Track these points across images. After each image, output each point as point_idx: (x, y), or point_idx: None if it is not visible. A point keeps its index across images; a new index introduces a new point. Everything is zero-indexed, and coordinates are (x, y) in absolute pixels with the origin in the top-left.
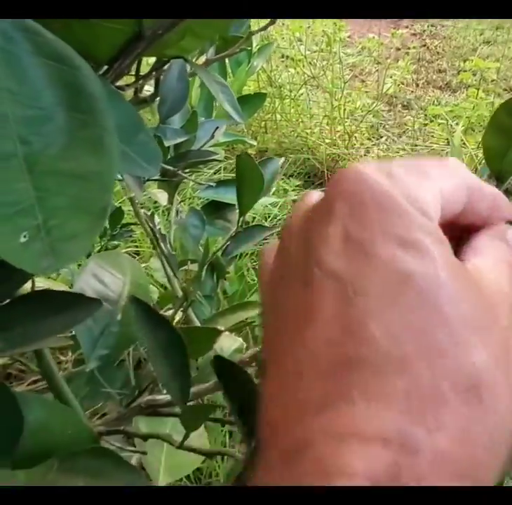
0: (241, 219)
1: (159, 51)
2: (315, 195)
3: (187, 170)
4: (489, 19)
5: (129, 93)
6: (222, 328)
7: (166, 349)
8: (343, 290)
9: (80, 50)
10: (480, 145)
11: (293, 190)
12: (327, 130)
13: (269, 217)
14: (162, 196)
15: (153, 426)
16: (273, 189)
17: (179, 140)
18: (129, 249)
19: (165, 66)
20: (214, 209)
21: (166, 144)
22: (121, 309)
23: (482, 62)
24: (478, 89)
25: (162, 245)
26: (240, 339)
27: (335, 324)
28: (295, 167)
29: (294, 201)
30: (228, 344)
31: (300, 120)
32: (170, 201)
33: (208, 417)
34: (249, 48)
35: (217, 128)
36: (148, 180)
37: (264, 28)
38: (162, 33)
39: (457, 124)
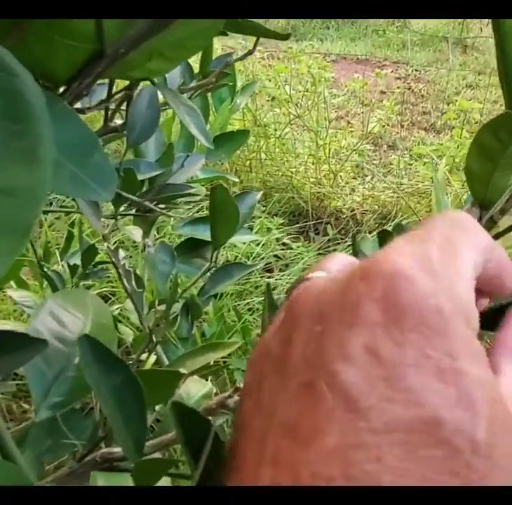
0: (215, 254)
1: (123, 72)
2: (337, 263)
3: (164, 206)
4: (471, 66)
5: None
6: (186, 371)
7: (119, 395)
8: (353, 423)
9: (36, 68)
10: (465, 185)
11: (277, 228)
12: (312, 169)
13: (252, 255)
14: (136, 233)
15: (112, 481)
16: (257, 228)
17: (153, 174)
18: (104, 289)
19: (136, 91)
20: (193, 247)
21: (140, 177)
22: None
23: (467, 102)
24: (462, 128)
25: (125, 281)
26: (210, 384)
27: (337, 460)
28: (280, 206)
29: (277, 240)
30: (195, 389)
31: (285, 159)
32: (146, 238)
33: (167, 473)
34: (230, 83)
35: (186, 156)
36: (121, 215)
37: (242, 57)
38: (125, 52)
39: (442, 164)
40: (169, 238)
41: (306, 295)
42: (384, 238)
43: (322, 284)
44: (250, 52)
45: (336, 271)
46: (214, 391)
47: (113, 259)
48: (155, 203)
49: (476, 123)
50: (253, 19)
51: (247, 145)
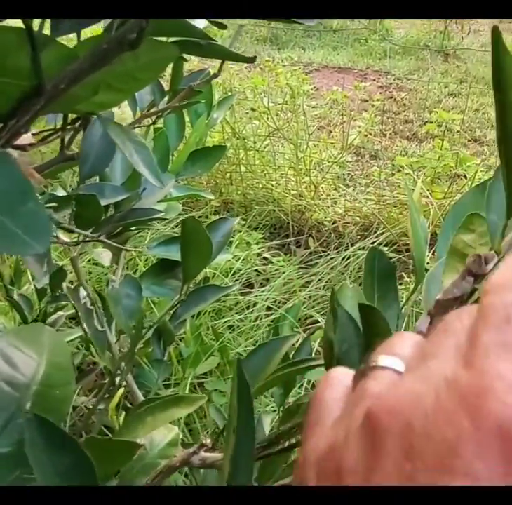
0: (185, 287)
1: (67, 107)
2: (407, 345)
3: (134, 228)
4: (452, 75)
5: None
6: (143, 442)
7: (67, 476)
8: None
9: None
10: (447, 195)
11: (256, 243)
12: (293, 182)
13: (231, 271)
14: (105, 256)
15: None
16: (237, 242)
17: (119, 198)
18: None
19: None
20: (166, 267)
21: (104, 202)
22: (33, 396)
23: (447, 113)
24: (443, 140)
25: (84, 325)
26: (176, 429)
27: None
28: (260, 219)
29: (258, 255)
30: (159, 436)
31: (265, 171)
32: (115, 261)
33: None
34: (203, 101)
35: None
36: (85, 241)
37: (209, 80)
38: (66, 87)
39: (424, 175)
40: (142, 259)
41: (391, 406)
42: (366, 314)
43: (408, 388)
44: (215, 76)
45: (410, 358)
46: (181, 436)
47: (73, 301)
48: (120, 229)
49: (458, 132)
50: (217, 43)
51: (227, 157)
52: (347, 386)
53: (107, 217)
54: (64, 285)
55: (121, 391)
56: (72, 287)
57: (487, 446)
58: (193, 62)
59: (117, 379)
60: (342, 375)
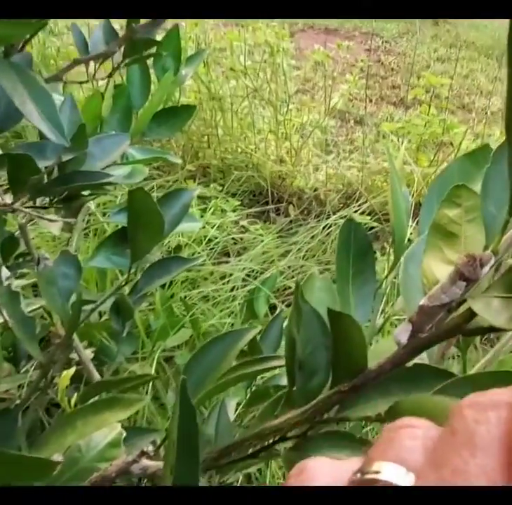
0: (135, 266)
1: None
2: (411, 450)
3: (88, 193)
4: (442, 39)
5: None
6: (60, 459)
7: None
8: None
9: None
10: (432, 163)
11: (233, 210)
12: (274, 147)
13: (205, 239)
14: (54, 224)
15: None
16: (212, 209)
17: (63, 159)
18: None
19: None
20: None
21: (45, 163)
22: None
23: (435, 78)
24: (430, 105)
25: (4, 313)
26: (119, 427)
27: None
28: (239, 185)
29: (235, 223)
30: (99, 436)
31: (244, 135)
32: (68, 229)
33: None
34: (164, 54)
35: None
36: (28, 207)
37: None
38: None
39: (409, 141)
40: (111, 226)
41: None
42: (335, 320)
43: None
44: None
45: (415, 463)
46: (124, 435)
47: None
48: (65, 195)
49: (446, 98)
50: None
51: (204, 120)
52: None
53: (49, 181)
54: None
55: (72, 371)
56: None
57: None
58: None
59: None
60: (319, 473)
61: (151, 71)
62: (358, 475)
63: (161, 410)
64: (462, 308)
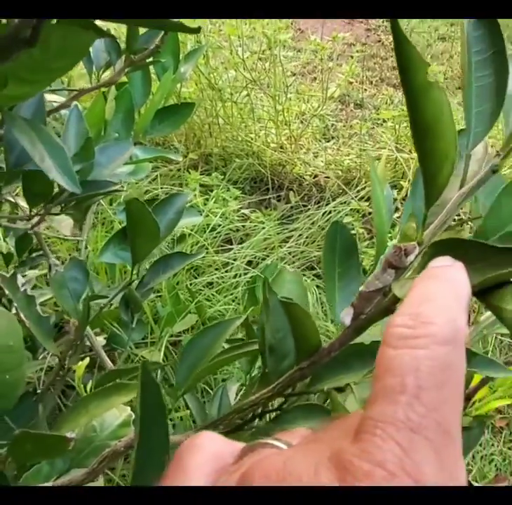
0: (136, 268)
1: None
2: (297, 437)
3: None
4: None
5: None
6: (74, 435)
7: None
8: None
9: None
10: None
11: (235, 198)
12: (274, 135)
13: (208, 227)
14: (65, 225)
15: None
16: (214, 198)
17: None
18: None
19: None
20: None
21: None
22: None
23: (434, 66)
24: None
25: (22, 314)
26: (128, 409)
27: None
28: (240, 173)
29: (237, 211)
30: (111, 417)
31: (244, 124)
32: (78, 227)
33: None
34: (163, 60)
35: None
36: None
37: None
38: None
39: (407, 128)
40: (107, 225)
41: (266, 469)
42: (289, 309)
43: (280, 465)
44: (157, 47)
45: (297, 445)
46: (133, 417)
47: (7, 291)
48: (74, 202)
49: (446, 79)
50: None
51: (205, 109)
52: (213, 453)
53: (60, 191)
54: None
55: (87, 360)
56: (8, 275)
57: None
58: None
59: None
60: (208, 441)
61: (151, 68)
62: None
63: (171, 391)
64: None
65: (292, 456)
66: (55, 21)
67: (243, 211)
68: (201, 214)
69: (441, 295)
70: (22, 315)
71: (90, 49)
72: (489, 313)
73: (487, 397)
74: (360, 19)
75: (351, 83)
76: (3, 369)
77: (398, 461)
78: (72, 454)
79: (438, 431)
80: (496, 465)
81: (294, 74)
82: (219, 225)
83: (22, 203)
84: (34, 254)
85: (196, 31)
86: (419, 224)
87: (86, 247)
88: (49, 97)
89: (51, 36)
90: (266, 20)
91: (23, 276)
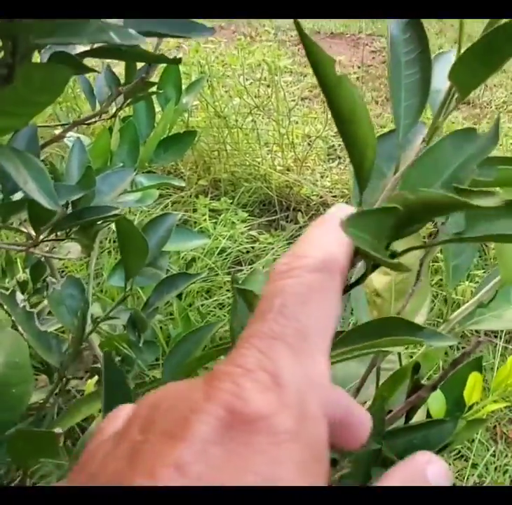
0: (129, 283)
1: None
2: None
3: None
4: (447, 35)
5: None
6: (61, 431)
7: None
8: None
9: None
10: None
11: (243, 221)
12: (279, 158)
13: (217, 249)
14: (74, 249)
15: None
16: (223, 222)
17: (73, 197)
18: None
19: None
20: None
21: (60, 202)
22: None
23: None
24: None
25: (20, 328)
26: None
27: None
28: (249, 196)
29: (245, 233)
30: None
31: (251, 148)
32: (87, 253)
33: None
34: (161, 91)
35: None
36: (45, 241)
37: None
38: None
39: None
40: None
41: (149, 400)
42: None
43: (169, 385)
44: (143, 79)
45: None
46: None
47: (6, 307)
48: (78, 227)
49: None
50: (139, 47)
51: (213, 137)
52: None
53: (64, 217)
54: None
55: (95, 379)
56: (7, 292)
57: (213, 415)
58: (168, 42)
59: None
60: (121, 411)
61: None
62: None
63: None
64: None
65: (173, 384)
66: (37, 59)
67: (251, 233)
68: (210, 238)
69: (320, 235)
70: (20, 329)
71: (94, 86)
72: (461, 309)
73: (483, 401)
74: (366, 42)
75: None
76: (10, 383)
77: (256, 361)
78: (76, 449)
79: (296, 336)
80: (510, 476)
81: (302, 98)
82: (229, 247)
83: (32, 231)
84: (47, 282)
85: (177, 61)
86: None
87: (95, 271)
88: (57, 131)
89: (33, 72)
90: (266, 48)
91: (38, 304)
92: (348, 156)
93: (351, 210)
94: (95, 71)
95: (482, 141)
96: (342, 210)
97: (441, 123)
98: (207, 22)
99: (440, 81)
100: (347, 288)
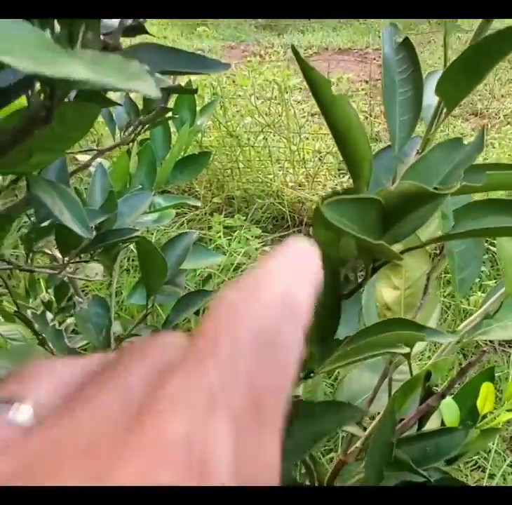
0: (150, 300)
1: (6, 170)
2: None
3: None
4: (453, 47)
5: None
6: None
7: None
8: None
9: None
10: None
11: (257, 237)
12: (291, 174)
13: (232, 266)
14: (97, 270)
15: None
16: (237, 238)
17: (97, 221)
18: None
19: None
20: None
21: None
22: None
23: None
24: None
25: (50, 344)
26: None
27: None
28: (262, 212)
29: (259, 249)
30: None
31: (263, 166)
32: (109, 273)
33: None
34: (176, 115)
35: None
36: (81, 261)
37: (167, 110)
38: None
39: None
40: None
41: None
42: None
43: None
44: (163, 108)
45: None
46: None
47: (37, 325)
48: (102, 249)
49: (459, 106)
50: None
51: (226, 155)
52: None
53: (89, 240)
54: (29, 311)
55: None
56: (38, 311)
57: None
58: None
59: None
60: None
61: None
62: None
63: None
64: None
65: None
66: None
67: (265, 248)
68: (225, 254)
69: (278, 266)
70: (50, 345)
71: (114, 112)
72: (469, 319)
73: (497, 409)
74: (373, 57)
75: (366, 117)
76: None
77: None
78: None
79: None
80: None
81: (312, 114)
82: (244, 263)
83: (57, 253)
84: (71, 302)
85: (194, 92)
86: None
87: (116, 290)
88: (80, 157)
89: (67, 111)
90: (275, 69)
91: (62, 322)
92: (347, 170)
93: (309, 242)
94: (119, 104)
95: (468, 149)
96: (301, 242)
97: (433, 136)
98: (219, 45)
99: (432, 97)
100: (349, 294)
